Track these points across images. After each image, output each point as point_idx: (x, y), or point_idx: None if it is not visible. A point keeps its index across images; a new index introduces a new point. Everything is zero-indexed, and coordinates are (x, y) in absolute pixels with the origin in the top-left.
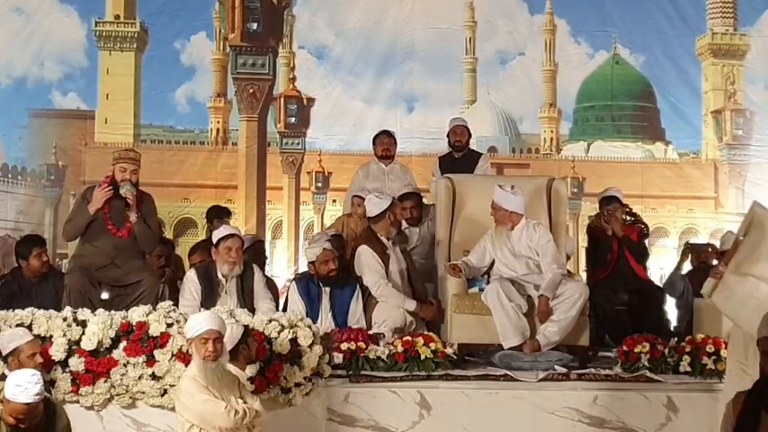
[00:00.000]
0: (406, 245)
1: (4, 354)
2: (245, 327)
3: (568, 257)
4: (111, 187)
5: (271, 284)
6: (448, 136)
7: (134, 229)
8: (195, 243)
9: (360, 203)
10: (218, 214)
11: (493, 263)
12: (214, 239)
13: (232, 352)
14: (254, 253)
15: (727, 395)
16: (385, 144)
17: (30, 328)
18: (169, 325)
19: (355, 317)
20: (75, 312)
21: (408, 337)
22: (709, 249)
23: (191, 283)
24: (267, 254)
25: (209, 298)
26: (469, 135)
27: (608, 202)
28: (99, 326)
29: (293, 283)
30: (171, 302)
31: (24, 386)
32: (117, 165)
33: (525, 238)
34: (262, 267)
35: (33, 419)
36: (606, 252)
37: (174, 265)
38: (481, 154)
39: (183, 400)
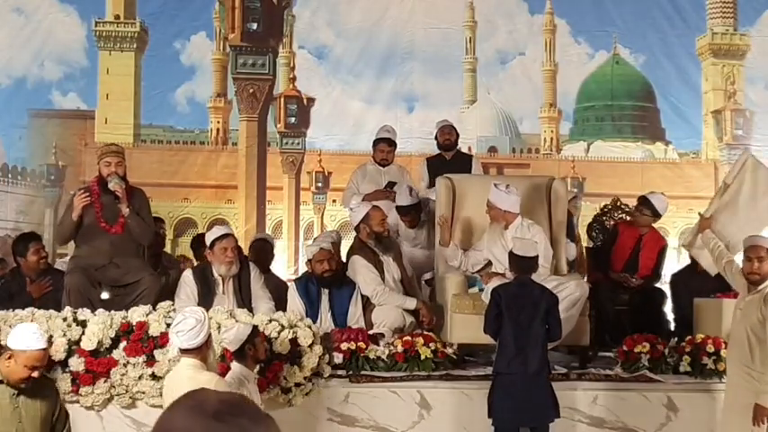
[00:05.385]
0: (393, 253)
1: None
2: (254, 327)
3: (569, 261)
4: (87, 194)
5: (280, 285)
6: (436, 138)
7: (128, 223)
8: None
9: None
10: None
11: (490, 263)
12: (208, 241)
13: (238, 352)
14: (259, 251)
15: (731, 399)
16: (384, 153)
17: None
18: (169, 325)
19: (354, 317)
20: (75, 312)
21: (408, 337)
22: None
23: (187, 284)
24: (272, 252)
25: (206, 297)
26: (457, 135)
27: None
28: (99, 326)
29: (293, 283)
30: (171, 302)
31: (37, 333)
32: (102, 161)
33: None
34: (268, 265)
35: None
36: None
37: (168, 262)
38: (471, 156)
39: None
